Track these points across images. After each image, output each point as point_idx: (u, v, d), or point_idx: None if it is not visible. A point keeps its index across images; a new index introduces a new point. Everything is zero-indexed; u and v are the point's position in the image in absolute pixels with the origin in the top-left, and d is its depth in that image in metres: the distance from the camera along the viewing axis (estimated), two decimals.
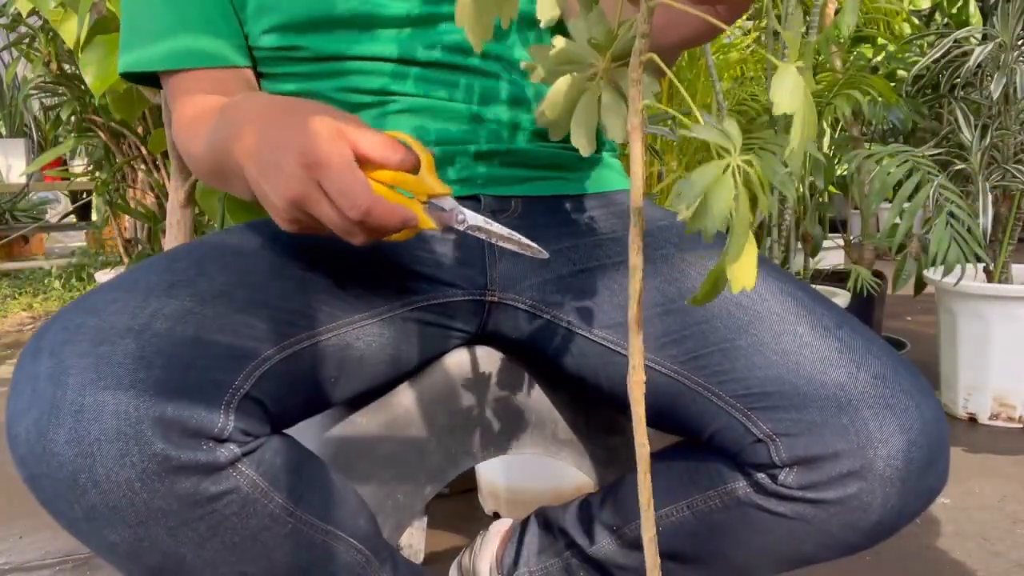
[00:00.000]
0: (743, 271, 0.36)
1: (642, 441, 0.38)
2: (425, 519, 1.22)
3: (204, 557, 0.57)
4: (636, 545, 0.75)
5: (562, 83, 0.40)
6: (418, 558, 1.20)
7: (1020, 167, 1.77)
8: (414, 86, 0.76)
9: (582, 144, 0.41)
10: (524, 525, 0.87)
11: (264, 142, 0.59)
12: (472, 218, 0.64)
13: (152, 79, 0.81)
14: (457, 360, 0.82)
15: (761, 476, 0.65)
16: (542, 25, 0.37)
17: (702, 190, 0.34)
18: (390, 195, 0.60)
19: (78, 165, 3.79)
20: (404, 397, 0.80)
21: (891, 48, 2.04)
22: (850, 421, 0.62)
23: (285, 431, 0.66)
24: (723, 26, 0.38)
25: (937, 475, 0.64)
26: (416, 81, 0.76)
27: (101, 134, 2.12)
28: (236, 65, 0.78)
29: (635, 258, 0.38)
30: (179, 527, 0.55)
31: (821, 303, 0.70)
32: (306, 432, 0.74)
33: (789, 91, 0.34)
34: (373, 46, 0.75)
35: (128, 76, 0.81)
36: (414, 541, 1.19)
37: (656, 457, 0.75)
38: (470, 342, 0.82)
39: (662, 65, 0.38)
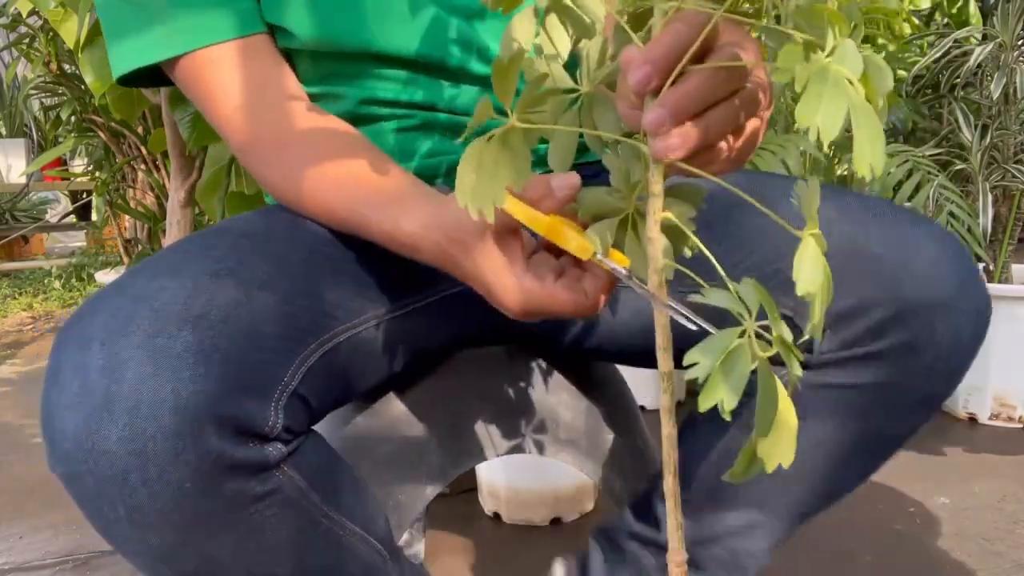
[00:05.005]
0: (777, 446, 0.31)
1: None
2: (425, 519, 1.22)
3: (241, 559, 0.55)
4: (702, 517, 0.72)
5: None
6: (418, 558, 1.20)
7: (1020, 167, 1.77)
8: (423, 96, 0.73)
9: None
10: (585, 556, 0.83)
11: (459, 272, 0.58)
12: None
13: (148, 77, 0.71)
14: (458, 360, 0.82)
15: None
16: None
17: (716, 359, 0.30)
18: (565, 230, 0.50)
19: (78, 165, 3.79)
20: (404, 397, 0.80)
21: (891, 48, 2.04)
22: (869, 264, 0.59)
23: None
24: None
25: (976, 290, 0.60)
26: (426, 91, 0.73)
27: (101, 134, 2.12)
28: (255, 32, 0.68)
29: (667, 427, 0.38)
30: (220, 529, 0.53)
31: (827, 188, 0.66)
32: None
33: (810, 268, 0.33)
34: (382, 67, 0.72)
35: (125, 79, 0.70)
36: (414, 541, 1.19)
37: None
38: (484, 337, 0.81)
39: (681, 224, 0.38)
